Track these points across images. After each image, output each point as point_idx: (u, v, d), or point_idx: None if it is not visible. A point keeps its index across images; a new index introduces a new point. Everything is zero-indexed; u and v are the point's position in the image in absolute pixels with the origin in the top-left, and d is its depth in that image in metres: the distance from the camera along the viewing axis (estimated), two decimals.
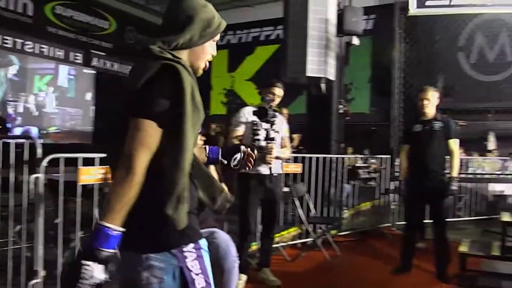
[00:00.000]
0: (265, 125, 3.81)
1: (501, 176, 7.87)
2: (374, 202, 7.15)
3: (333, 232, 5.70)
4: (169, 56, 1.39)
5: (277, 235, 4.97)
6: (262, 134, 3.83)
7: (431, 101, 4.30)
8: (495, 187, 7.83)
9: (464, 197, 7.69)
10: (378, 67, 11.75)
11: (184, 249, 1.41)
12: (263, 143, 3.80)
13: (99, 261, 1.26)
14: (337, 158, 6.01)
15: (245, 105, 4.21)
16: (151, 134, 1.32)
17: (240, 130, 3.89)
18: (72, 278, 1.25)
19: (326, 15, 6.00)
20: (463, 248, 4.24)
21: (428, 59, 9.82)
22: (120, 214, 1.29)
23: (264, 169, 3.84)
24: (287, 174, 5.23)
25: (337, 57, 6.48)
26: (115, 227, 1.28)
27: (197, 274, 1.43)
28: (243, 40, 14.82)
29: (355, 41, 7.12)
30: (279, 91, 3.93)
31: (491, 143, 10.69)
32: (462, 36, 11.21)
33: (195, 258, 1.43)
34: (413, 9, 5.80)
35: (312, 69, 5.46)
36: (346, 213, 6.57)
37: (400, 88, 5.88)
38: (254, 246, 4.41)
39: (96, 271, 1.25)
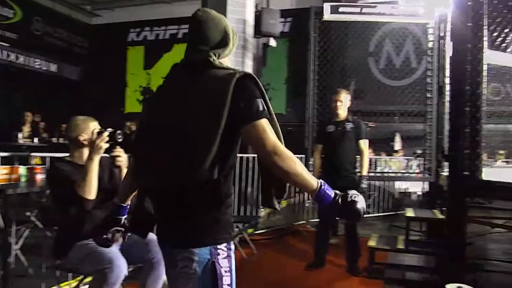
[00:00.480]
0: None
1: (406, 174, 8.40)
2: (289, 201, 7.32)
3: (250, 230, 5.75)
4: (225, 65, 1.65)
5: None
6: None
7: (344, 103, 4.48)
8: (401, 185, 8.36)
9: (373, 195, 8.12)
10: (294, 69, 12.07)
11: (218, 246, 1.57)
12: None
13: (343, 199, 1.53)
14: (253, 157, 6.07)
15: None
16: (271, 129, 1.54)
17: None
18: (354, 213, 1.53)
19: (244, 16, 6.04)
20: (371, 243, 4.46)
21: (341, 62, 10.24)
22: (310, 176, 1.52)
23: None
24: None
25: (254, 57, 6.56)
26: (320, 182, 1.52)
27: (225, 272, 1.58)
28: (161, 37, 14.50)
29: (272, 42, 7.25)
30: None
31: (397, 144, 11.38)
32: (372, 42, 11.82)
33: (225, 257, 1.59)
34: (327, 15, 5.99)
35: None
36: (262, 212, 6.66)
37: (315, 90, 6.05)
38: None
39: (356, 197, 1.54)
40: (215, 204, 1.56)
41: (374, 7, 6.10)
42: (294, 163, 1.50)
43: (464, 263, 3.40)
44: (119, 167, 2.70)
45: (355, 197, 1.53)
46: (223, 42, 1.69)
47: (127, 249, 2.70)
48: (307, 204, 6.76)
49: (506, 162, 8.38)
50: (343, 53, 9.86)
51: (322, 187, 1.52)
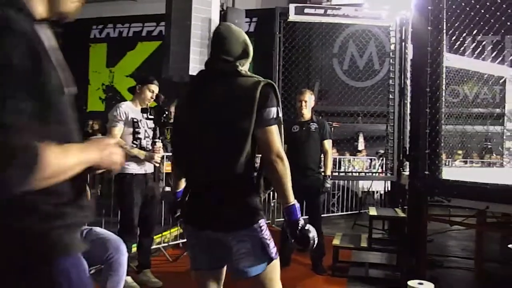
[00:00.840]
0: (150, 124, 3.79)
1: (369, 174, 8.56)
2: None
3: None
4: (249, 73, 1.93)
5: (158, 235, 4.86)
6: (142, 133, 3.78)
7: (308, 103, 4.52)
8: (364, 184, 8.52)
9: (337, 194, 8.23)
10: (259, 69, 12.09)
11: (260, 224, 1.89)
12: (144, 142, 3.77)
13: (302, 225, 1.85)
14: None
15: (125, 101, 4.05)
16: (278, 135, 1.88)
17: (120, 128, 3.73)
18: (305, 240, 1.85)
19: (210, 14, 6.00)
20: (335, 242, 4.52)
21: (305, 63, 10.35)
22: (291, 190, 1.85)
23: (148, 168, 3.83)
24: (168, 173, 5.14)
25: None
26: (295, 201, 1.87)
27: (269, 240, 1.92)
28: (124, 35, 14.25)
29: None
30: (155, 88, 3.91)
31: (361, 144, 11.59)
32: (337, 43, 12.01)
33: (265, 228, 1.91)
34: (292, 15, 6.04)
35: (195, 68, 5.42)
36: None
37: (279, 90, 6.08)
38: (134, 248, 4.26)
39: (311, 229, 1.87)
40: (253, 191, 1.91)
41: (339, 9, 6.19)
42: (287, 172, 1.85)
43: (425, 260, 3.49)
44: None
45: (309, 228, 1.86)
46: (245, 53, 1.98)
47: (85, 250, 2.65)
48: (272, 204, 6.79)
49: (464, 162, 8.69)
50: (308, 53, 9.97)
51: (295, 205, 1.86)
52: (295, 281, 4.23)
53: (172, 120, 3.78)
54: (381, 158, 7.65)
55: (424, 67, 3.29)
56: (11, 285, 1.09)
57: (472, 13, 4.29)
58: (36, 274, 1.10)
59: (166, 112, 3.77)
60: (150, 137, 3.81)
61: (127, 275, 3.66)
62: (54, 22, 1.24)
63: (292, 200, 1.85)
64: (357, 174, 8.70)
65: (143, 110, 3.80)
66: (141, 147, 3.75)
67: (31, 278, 1.10)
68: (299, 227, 1.84)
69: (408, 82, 5.56)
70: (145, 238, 3.97)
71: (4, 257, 1.07)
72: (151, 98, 3.88)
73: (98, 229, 2.89)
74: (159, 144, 3.77)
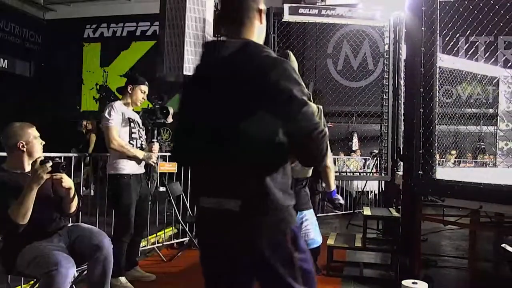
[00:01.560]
0: (140, 123, 3.82)
1: (363, 174, 8.57)
2: None
3: None
4: None
5: (153, 236, 4.85)
6: (137, 133, 3.78)
7: None
8: (358, 184, 8.54)
9: None
10: None
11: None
12: (138, 142, 3.76)
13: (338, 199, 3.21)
14: None
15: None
16: None
17: (118, 127, 3.69)
18: (336, 205, 3.26)
19: (204, 14, 5.99)
20: (330, 241, 4.53)
21: (299, 63, 10.35)
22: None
23: (142, 169, 3.83)
24: (163, 174, 5.13)
25: None
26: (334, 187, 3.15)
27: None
28: (118, 34, 14.19)
29: None
30: (146, 89, 3.92)
31: (355, 144, 11.63)
32: (331, 44, 12.03)
33: None
34: (286, 16, 6.04)
35: (189, 68, 5.40)
36: None
37: None
38: None
39: (340, 198, 3.24)
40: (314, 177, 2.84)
41: (333, 9, 6.19)
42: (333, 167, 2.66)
43: (419, 259, 3.50)
44: (67, 188, 2.61)
45: (340, 198, 3.13)
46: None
47: (72, 245, 2.69)
48: None
49: (458, 162, 8.73)
50: (302, 53, 9.98)
51: (334, 190, 3.05)
52: None
53: (169, 120, 3.83)
54: (375, 158, 7.67)
55: (417, 67, 3.30)
56: (273, 242, 1.53)
57: (466, 14, 4.31)
58: (288, 236, 1.55)
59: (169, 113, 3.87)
60: (142, 137, 3.82)
61: (121, 275, 3.66)
62: None
63: (334, 187, 3.13)
64: (352, 174, 8.72)
65: (150, 112, 3.87)
66: (136, 147, 3.75)
67: (286, 238, 1.55)
68: (336, 201, 3.16)
69: (402, 82, 5.58)
70: (137, 237, 3.96)
71: (273, 225, 1.54)
72: (143, 99, 3.89)
73: (83, 224, 3.00)
74: (156, 144, 3.80)
